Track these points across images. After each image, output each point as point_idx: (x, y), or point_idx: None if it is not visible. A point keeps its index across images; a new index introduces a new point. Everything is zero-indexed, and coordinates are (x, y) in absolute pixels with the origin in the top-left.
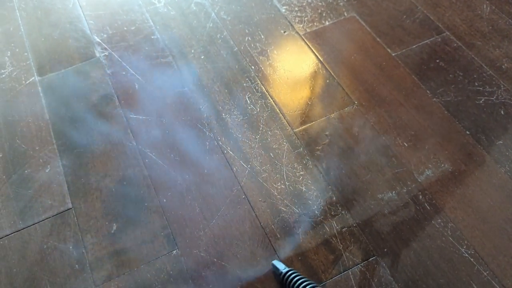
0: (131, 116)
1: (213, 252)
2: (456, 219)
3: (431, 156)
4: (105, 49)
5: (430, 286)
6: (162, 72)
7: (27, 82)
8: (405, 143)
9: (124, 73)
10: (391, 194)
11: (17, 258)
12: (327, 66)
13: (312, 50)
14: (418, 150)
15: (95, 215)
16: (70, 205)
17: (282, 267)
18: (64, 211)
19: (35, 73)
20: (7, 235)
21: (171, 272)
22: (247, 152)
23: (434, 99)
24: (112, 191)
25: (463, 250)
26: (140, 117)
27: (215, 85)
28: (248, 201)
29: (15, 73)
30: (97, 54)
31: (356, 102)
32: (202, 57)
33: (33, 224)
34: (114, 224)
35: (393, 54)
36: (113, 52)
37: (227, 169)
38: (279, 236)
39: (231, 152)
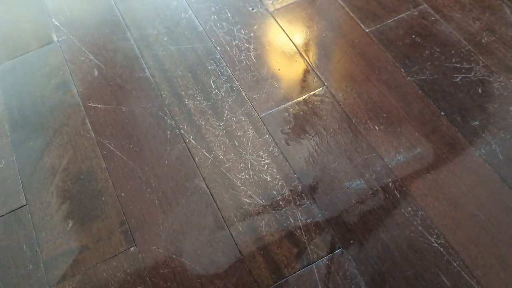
0: (90, 104)
1: (172, 248)
2: (426, 206)
3: (403, 140)
4: (64, 33)
5: (396, 279)
6: (123, 57)
7: None
8: (376, 127)
9: (83, 58)
10: (359, 182)
11: None
12: (296, 45)
13: (282, 28)
14: (390, 134)
15: (50, 211)
16: (24, 202)
17: None
18: (17, 209)
19: None
20: None
21: (128, 271)
22: (210, 141)
23: (409, 78)
24: (69, 186)
25: (432, 239)
26: (99, 105)
27: (178, 68)
28: (210, 193)
29: None
30: (55, 38)
31: (326, 84)
32: (165, 38)
33: None
34: (70, 221)
35: (367, 30)
36: (71, 36)
37: (188, 159)
38: (241, 229)
39: (193, 141)
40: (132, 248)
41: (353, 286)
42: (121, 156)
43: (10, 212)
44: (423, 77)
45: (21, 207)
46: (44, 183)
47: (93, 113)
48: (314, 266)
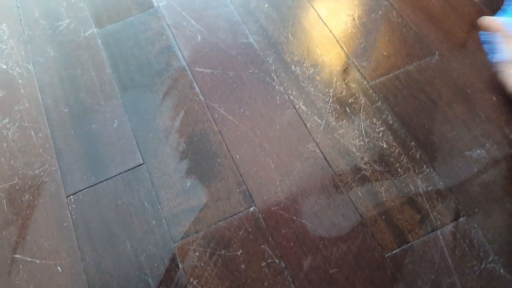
0: (196, 69)
1: (292, 210)
2: None
3: None
4: None
5: None
6: (225, 22)
7: (86, 34)
8: (493, 97)
9: (185, 23)
10: (480, 151)
11: (93, 214)
12: (402, 13)
13: None
14: (509, 104)
15: (167, 171)
16: (141, 161)
17: None
18: (135, 167)
19: (93, 25)
20: (81, 190)
21: (249, 229)
22: (321, 107)
23: None
24: (183, 147)
25: None
26: (206, 70)
27: (282, 35)
28: (325, 158)
29: (72, 25)
30: (155, 4)
31: (436, 52)
32: (266, 5)
33: (106, 180)
34: (188, 180)
35: (476, 0)
36: (172, 2)
37: (300, 124)
38: (360, 194)
39: (303, 107)
40: (252, 208)
41: (481, 254)
42: (232, 119)
43: (129, 170)
44: None
45: (138, 165)
46: (158, 144)
47: (200, 77)
48: (438, 233)
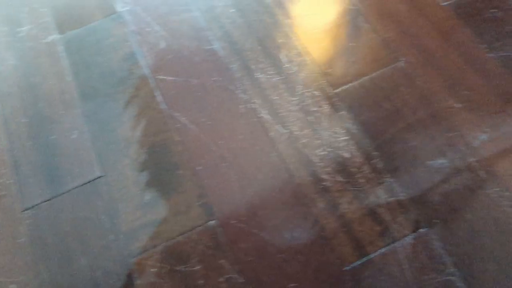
0: (159, 77)
1: (253, 223)
2: None
3: (487, 119)
4: (127, 3)
5: (486, 260)
6: (189, 28)
7: (47, 40)
8: (457, 104)
9: (148, 29)
10: (442, 161)
11: (49, 229)
12: (369, 19)
13: (352, 2)
14: (473, 112)
15: (127, 183)
16: (100, 173)
17: None
18: (94, 180)
19: (55, 31)
20: (37, 204)
21: (208, 244)
22: (284, 116)
23: (490, 54)
24: (143, 158)
25: None
26: (169, 78)
27: (247, 41)
28: (287, 169)
29: (34, 31)
30: (119, 9)
31: (402, 59)
32: (232, 10)
33: (63, 193)
34: (148, 193)
35: (444, 4)
36: (135, 7)
37: (263, 134)
38: (321, 206)
39: (267, 116)
40: (212, 221)
41: (440, 266)
42: (194, 129)
43: (87, 183)
44: (506, 54)
45: (98, 178)
46: (119, 155)
47: (163, 86)
48: (398, 245)
